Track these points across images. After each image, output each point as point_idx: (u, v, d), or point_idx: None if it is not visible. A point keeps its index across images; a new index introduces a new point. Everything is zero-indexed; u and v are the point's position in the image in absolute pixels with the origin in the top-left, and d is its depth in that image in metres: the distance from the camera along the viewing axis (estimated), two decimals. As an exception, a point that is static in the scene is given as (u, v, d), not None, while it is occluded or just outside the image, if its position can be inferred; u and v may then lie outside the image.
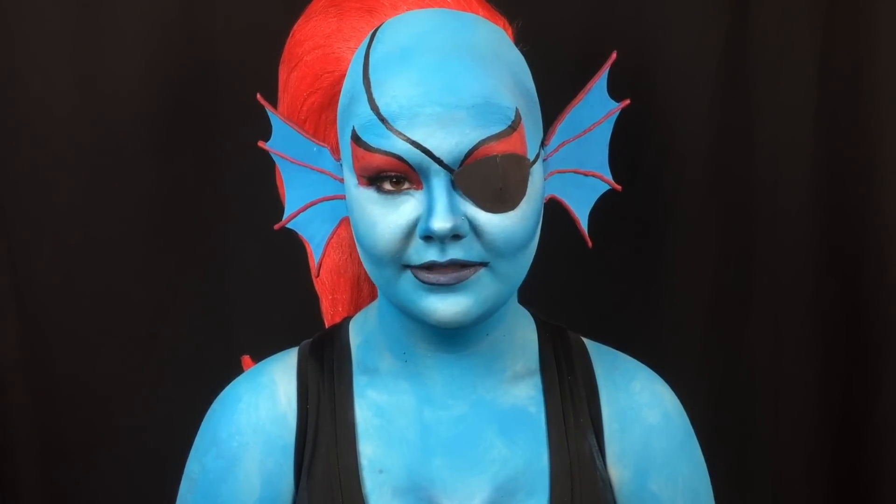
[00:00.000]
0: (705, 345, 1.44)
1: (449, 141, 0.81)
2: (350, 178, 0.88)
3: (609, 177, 0.97)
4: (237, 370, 1.03)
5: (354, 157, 0.85)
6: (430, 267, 0.84)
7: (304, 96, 0.97)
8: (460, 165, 0.82)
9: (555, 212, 0.96)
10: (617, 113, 0.96)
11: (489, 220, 0.83)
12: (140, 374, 1.40)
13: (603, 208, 0.98)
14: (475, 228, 0.83)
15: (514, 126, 0.84)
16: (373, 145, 0.83)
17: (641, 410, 0.97)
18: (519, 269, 0.88)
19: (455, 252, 0.83)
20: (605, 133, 0.96)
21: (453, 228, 0.81)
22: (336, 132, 0.94)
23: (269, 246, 1.30)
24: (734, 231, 1.41)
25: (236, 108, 1.32)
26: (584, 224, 0.96)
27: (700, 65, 1.38)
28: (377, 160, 0.83)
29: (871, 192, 1.37)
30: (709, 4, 1.36)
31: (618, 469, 0.96)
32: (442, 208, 0.81)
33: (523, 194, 0.85)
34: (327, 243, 0.98)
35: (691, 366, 1.41)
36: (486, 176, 0.83)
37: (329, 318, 1.08)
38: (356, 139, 0.84)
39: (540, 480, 0.92)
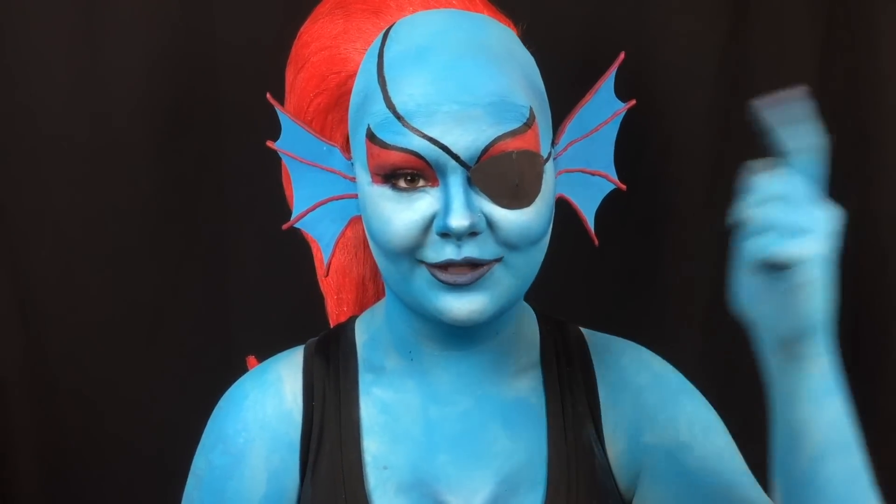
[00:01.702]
0: (705, 345, 1.44)
1: (466, 137, 0.82)
2: (363, 177, 0.88)
3: (615, 176, 0.97)
4: (237, 370, 1.02)
5: (369, 154, 0.86)
6: (446, 266, 0.84)
7: (310, 97, 0.97)
8: (476, 162, 0.83)
9: (555, 210, 0.96)
10: (623, 113, 0.96)
11: (505, 217, 0.84)
12: (140, 375, 1.40)
13: (603, 207, 0.99)
14: (491, 225, 0.84)
15: (529, 123, 0.84)
16: (389, 142, 0.83)
17: (629, 377, 0.98)
18: (532, 264, 0.88)
19: (471, 250, 0.83)
20: (611, 133, 0.97)
21: (471, 226, 0.82)
22: (342, 132, 0.95)
23: (270, 246, 1.31)
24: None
25: (237, 109, 1.33)
26: (591, 223, 0.97)
27: (700, 65, 1.38)
28: (393, 157, 0.83)
29: (871, 192, 1.37)
30: (709, 4, 1.36)
31: (613, 443, 0.96)
32: (459, 205, 0.82)
33: (538, 191, 0.85)
34: (336, 243, 0.98)
35: (691, 365, 1.40)
36: (503, 172, 0.83)
37: (334, 318, 1.08)
38: (371, 137, 0.85)
39: (540, 471, 0.93)
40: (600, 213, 0.98)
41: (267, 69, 1.06)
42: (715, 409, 1.39)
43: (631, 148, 1.02)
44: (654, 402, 0.97)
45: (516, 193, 0.84)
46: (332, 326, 1.06)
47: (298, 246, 1.07)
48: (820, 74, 1.37)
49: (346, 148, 0.94)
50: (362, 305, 1.06)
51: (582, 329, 1.02)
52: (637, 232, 1.41)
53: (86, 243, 1.37)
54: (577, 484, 0.92)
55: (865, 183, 1.38)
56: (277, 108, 0.97)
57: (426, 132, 0.82)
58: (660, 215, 1.41)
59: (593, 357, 0.99)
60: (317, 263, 1.04)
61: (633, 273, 1.42)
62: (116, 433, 1.41)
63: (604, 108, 0.96)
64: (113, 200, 1.37)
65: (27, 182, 1.35)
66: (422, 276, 0.86)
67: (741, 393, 1.44)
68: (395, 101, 0.83)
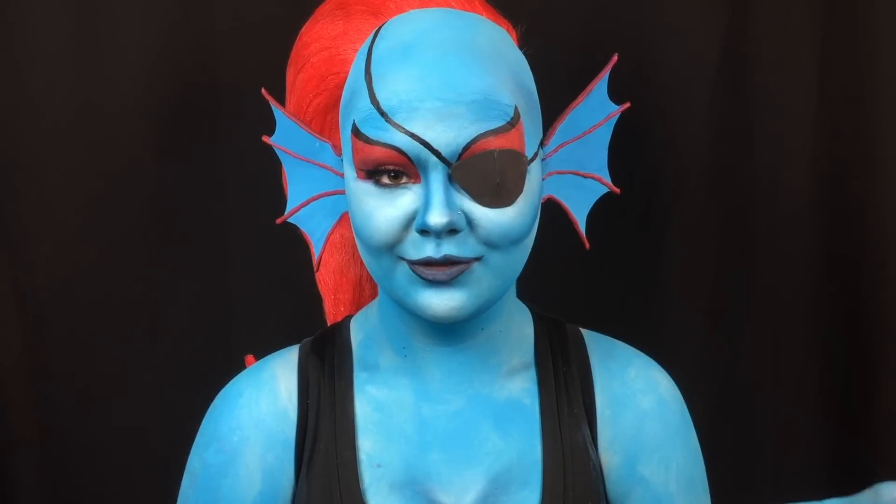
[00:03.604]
0: (705, 345, 1.44)
1: (447, 134, 0.82)
2: (349, 172, 0.89)
3: (608, 179, 0.97)
4: (237, 370, 1.03)
5: (354, 150, 0.86)
6: (426, 263, 0.84)
7: (310, 97, 0.98)
8: (458, 159, 0.83)
9: (555, 211, 0.96)
10: (617, 116, 0.96)
11: (485, 215, 0.84)
12: (140, 375, 1.40)
13: (602, 208, 0.99)
14: (471, 223, 0.84)
15: (513, 123, 0.84)
16: (372, 138, 0.84)
17: (635, 396, 0.98)
18: (513, 264, 0.89)
19: (450, 248, 0.84)
20: (604, 136, 0.97)
21: (449, 223, 0.82)
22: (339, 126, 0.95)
23: (270, 246, 1.31)
24: (734, 232, 1.42)
25: (237, 110, 1.33)
26: (581, 226, 0.97)
27: (700, 65, 1.38)
28: (376, 153, 0.84)
29: (871, 193, 1.37)
30: (709, 4, 1.36)
31: (608, 455, 0.96)
32: (439, 202, 0.82)
33: (520, 190, 0.85)
34: (328, 238, 0.99)
35: (691, 366, 1.41)
36: (484, 170, 0.83)
37: (331, 317, 1.08)
38: (356, 132, 0.85)
39: (533, 471, 0.93)
40: (599, 213, 0.98)
41: (267, 68, 1.07)
42: (714, 410, 1.40)
43: (630, 147, 1.03)
44: (655, 434, 0.97)
45: (498, 192, 0.84)
46: (328, 326, 1.06)
47: (297, 246, 1.07)
48: (820, 74, 1.37)
49: (340, 145, 0.94)
50: (359, 305, 1.06)
51: (581, 329, 1.02)
52: (636, 231, 1.40)
53: (85, 242, 1.37)
54: (574, 485, 0.93)
55: (866, 182, 1.38)
56: (272, 103, 0.97)
57: (408, 128, 0.82)
58: (659, 215, 1.41)
59: (592, 359, 0.99)
60: (314, 261, 1.04)
61: (633, 272, 1.42)
62: (116, 432, 1.41)
63: (597, 110, 0.96)
64: (113, 200, 1.36)
65: (27, 181, 1.35)
66: (403, 272, 0.86)
67: (741, 394, 1.45)
68: (380, 96, 0.84)
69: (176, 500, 0.99)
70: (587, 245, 0.97)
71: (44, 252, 1.37)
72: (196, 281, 1.40)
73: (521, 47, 0.94)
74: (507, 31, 0.94)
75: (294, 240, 1.03)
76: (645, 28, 1.36)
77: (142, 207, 1.37)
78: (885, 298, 1.38)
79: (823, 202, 1.39)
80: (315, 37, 0.97)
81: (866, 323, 1.40)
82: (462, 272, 0.85)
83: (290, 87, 1.01)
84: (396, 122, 0.83)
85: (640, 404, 0.97)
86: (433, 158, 0.82)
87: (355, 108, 0.86)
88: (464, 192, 0.84)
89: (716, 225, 1.41)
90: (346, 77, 0.93)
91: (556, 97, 0.97)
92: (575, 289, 1.38)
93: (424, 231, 0.83)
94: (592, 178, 0.97)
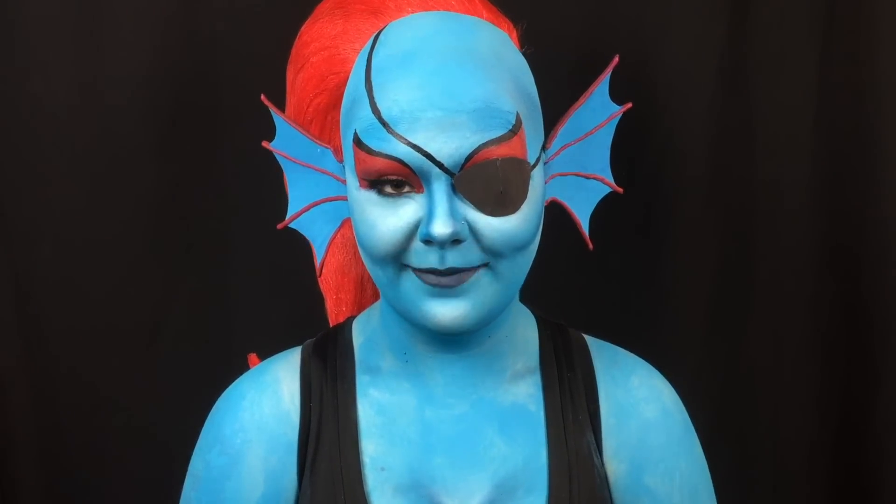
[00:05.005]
0: (705, 345, 1.44)
1: (449, 145, 0.82)
2: (352, 181, 0.88)
3: (611, 179, 0.97)
4: (238, 370, 1.03)
5: (356, 159, 0.86)
6: (430, 272, 0.84)
7: (310, 97, 0.98)
8: (461, 169, 0.83)
9: (555, 212, 0.96)
10: (619, 116, 0.96)
11: (489, 224, 0.84)
12: (141, 374, 1.40)
13: (602, 209, 0.99)
14: (475, 232, 0.84)
15: (515, 130, 0.84)
16: (374, 149, 0.83)
17: (639, 405, 0.97)
18: (518, 271, 0.88)
19: (454, 259, 0.83)
20: (606, 136, 0.96)
21: (453, 234, 0.82)
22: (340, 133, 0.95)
23: (270, 246, 1.30)
24: (734, 231, 1.42)
25: (237, 109, 1.33)
26: (585, 227, 0.97)
27: (700, 65, 1.38)
28: (378, 163, 0.84)
29: (871, 192, 1.37)
30: (709, 4, 1.36)
31: (614, 464, 0.96)
32: (442, 213, 0.82)
33: (524, 198, 0.85)
34: (329, 244, 0.98)
35: (691, 366, 1.41)
36: (487, 180, 0.83)
37: (333, 317, 1.08)
38: (358, 143, 0.85)
39: (539, 477, 0.93)
40: (599, 214, 0.98)
41: (267, 68, 1.06)
42: (714, 412, 1.40)
43: (630, 148, 1.03)
44: (659, 444, 0.97)
45: (501, 200, 0.84)
46: (330, 326, 1.06)
47: (298, 246, 1.07)
48: (820, 74, 1.37)
49: (341, 150, 0.94)
50: (361, 305, 1.06)
51: (584, 335, 1.02)
52: (636, 232, 1.40)
53: (86, 243, 1.37)
54: (579, 492, 0.92)
55: (866, 181, 1.38)
56: (272, 109, 0.97)
57: (410, 139, 0.82)
58: (659, 216, 1.41)
59: (596, 365, 0.99)
60: (316, 267, 1.04)
61: (633, 274, 1.42)
62: (116, 433, 1.41)
63: (599, 111, 0.95)
64: (113, 200, 1.36)
65: (27, 182, 1.35)
66: (409, 280, 0.86)
67: (741, 393, 1.45)
68: (381, 106, 0.83)
69: (178, 502, 0.99)
70: (591, 246, 0.97)
71: (44, 252, 1.37)
72: (196, 281, 1.40)
73: (521, 47, 0.94)
74: (509, 31, 0.93)
75: (295, 239, 1.03)
76: (646, 27, 1.36)
77: (142, 207, 1.37)
78: (886, 298, 1.38)
79: (824, 201, 1.39)
80: (315, 36, 0.97)
81: (866, 322, 1.40)
82: (467, 280, 0.84)
83: (290, 86, 1.01)
84: (398, 132, 0.82)
85: (643, 413, 0.97)
86: (436, 169, 0.82)
87: (356, 118, 0.86)
88: (467, 202, 0.84)
89: (716, 224, 1.41)
90: (346, 77, 0.93)
91: (556, 98, 0.97)
92: (575, 289, 1.38)
93: (428, 241, 0.83)
94: (595, 178, 0.97)
